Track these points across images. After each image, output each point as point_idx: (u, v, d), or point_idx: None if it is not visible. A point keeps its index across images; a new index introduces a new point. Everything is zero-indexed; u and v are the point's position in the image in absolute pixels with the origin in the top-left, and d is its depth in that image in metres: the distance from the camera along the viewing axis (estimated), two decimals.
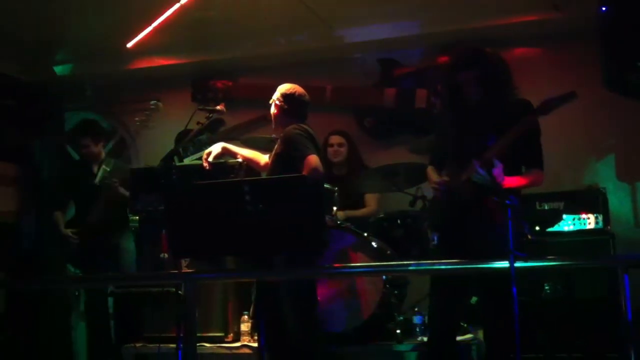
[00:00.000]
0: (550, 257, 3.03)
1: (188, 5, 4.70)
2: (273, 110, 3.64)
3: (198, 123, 3.79)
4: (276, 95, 3.63)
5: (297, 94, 3.61)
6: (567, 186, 4.31)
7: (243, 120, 5.60)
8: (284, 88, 3.63)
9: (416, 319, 4.09)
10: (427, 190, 3.69)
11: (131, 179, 4.40)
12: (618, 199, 4.62)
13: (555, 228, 3.99)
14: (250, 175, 3.90)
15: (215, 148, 3.73)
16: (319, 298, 3.67)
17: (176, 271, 3.48)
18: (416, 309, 4.18)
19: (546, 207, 4.03)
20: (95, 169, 4.87)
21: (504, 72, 3.05)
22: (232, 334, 4.30)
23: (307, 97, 3.65)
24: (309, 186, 2.70)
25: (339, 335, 3.88)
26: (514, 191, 2.94)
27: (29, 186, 5.52)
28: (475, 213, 2.93)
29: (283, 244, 2.66)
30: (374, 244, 4.07)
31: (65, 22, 5.12)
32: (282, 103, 3.59)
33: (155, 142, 5.70)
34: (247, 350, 4.13)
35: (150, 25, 5.07)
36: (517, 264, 2.47)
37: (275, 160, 3.55)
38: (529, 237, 2.93)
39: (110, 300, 4.76)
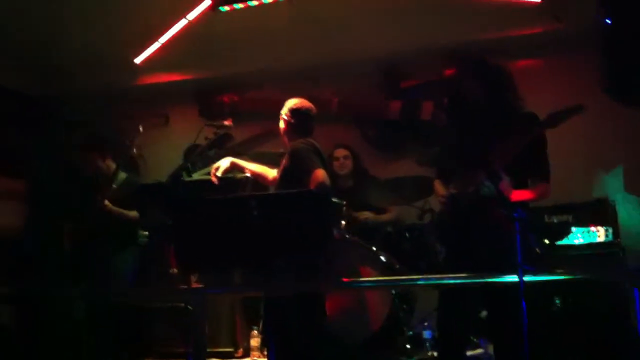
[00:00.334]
0: (559, 270, 3.02)
1: (195, 21, 4.75)
2: (281, 125, 3.67)
3: (206, 138, 3.81)
4: (284, 110, 3.65)
5: (303, 108, 3.63)
6: (575, 198, 4.29)
7: (250, 135, 5.62)
8: (291, 103, 3.66)
9: (426, 334, 4.08)
10: (435, 203, 3.69)
11: (140, 194, 4.42)
12: (627, 211, 4.59)
13: (565, 241, 3.97)
14: (259, 190, 3.91)
15: (224, 163, 3.74)
16: (327, 312, 3.66)
17: (185, 286, 3.49)
18: (426, 324, 4.17)
19: (555, 220, 4.01)
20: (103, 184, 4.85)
21: (509, 83, 3.05)
22: (241, 349, 4.30)
23: (313, 111, 3.67)
24: (316, 201, 2.71)
25: (347, 349, 3.87)
26: (522, 204, 2.93)
27: (33, 201, 5.53)
28: (483, 226, 2.92)
29: (291, 257, 2.66)
30: (382, 257, 4.07)
31: (73, 37, 5.17)
32: (289, 118, 3.62)
33: (163, 157, 5.72)
34: None
35: (157, 40, 5.13)
36: (526, 278, 2.46)
37: (282, 175, 3.56)
38: (537, 250, 2.92)
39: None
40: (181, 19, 4.84)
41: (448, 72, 5.22)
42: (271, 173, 3.80)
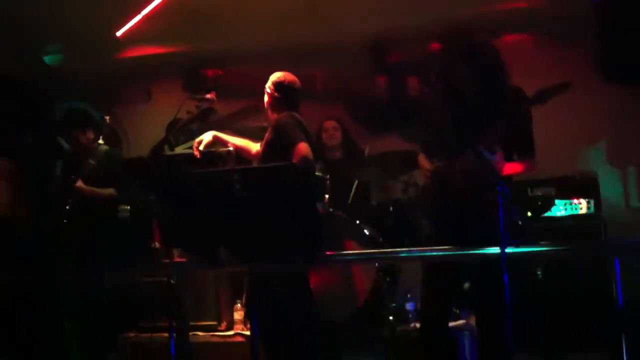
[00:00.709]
0: (541, 242, 3.04)
1: None
2: (265, 99, 3.64)
3: (188, 112, 3.77)
4: (268, 84, 3.62)
5: (287, 81, 3.60)
6: (558, 172, 4.32)
7: (234, 109, 5.58)
8: (275, 76, 3.63)
9: (409, 306, 4.10)
10: (419, 177, 3.69)
11: (121, 168, 4.37)
12: (609, 184, 4.64)
13: (548, 214, 4.00)
14: (241, 163, 3.88)
15: (206, 136, 3.71)
16: (313, 286, 3.66)
17: (168, 261, 3.47)
18: (409, 296, 4.19)
19: (538, 193, 4.04)
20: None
21: (497, 60, 3.04)
22: (225, 323, 4.30)
23: (298, 84, 3.64)
24: (299, 174, 2.69)
25: (332, 322, 3.89)
26: (506, 177, 2.94)
27: (22, 181, 5.45)
28: (468, 200, 2.93)
29: (274, 232, 2.64)
30: (366, 231, 4.07)
31: (54, 10, 5.07)
32: (273, 91, 3.59)
33: (145, 131, 5.67)
34: (240, 339, 4.14)
35: (140, 13, 5.04)
36: (508, 250, 2.47)
37: (265, 149, 3.53)
38: (519, 222, 2.95)
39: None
40: None
41: (434, 46, 5.19)
42: (254, 147, 3.78)
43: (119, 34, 5.32)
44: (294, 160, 3.26)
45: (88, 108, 5.50)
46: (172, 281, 3.27)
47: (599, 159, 4.82)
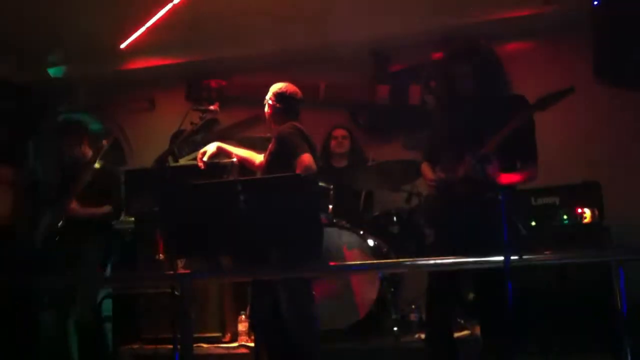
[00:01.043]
0: (545, 252, 3.03)
1: (181, 5, 4.69)
2: (266, 109, 3.65)
3: (192, 123, 3.78)
4: (268, 95, 3.64)
5: (288, 92, 3.61)
6: (562, 181, 4.31)
7: (237, 120, 5.60)
8: (275, 87, 3.64)
9: (413, 316, 4.09)
10: (422, 186, 3.69)
11: (125, 180, 4.37)
12: (613, 193, 4.62)
13: (551, 223, 3.99)
14: (245, 174, 3.89)
15: (210, 148, 3.72)
16: (315, 296, 3.66)
17: (172, 272, 3.47)
18: (413, 306, 4.18)
19: (542, 202, 4.03)
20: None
21: (498, 66, 3.04)
22: (229, 334, 4.30)
23: (299, 95, 3.65)
24: (303, 185, 2.69)
25: (336, 332, 3.88)
26: (510, 186, 2.94)
27: (24, 189, 5.47)
28: (470, 209, 2.92)
29: (278, 242, 2.65)
30: (370, 242, 4.07)
31: (58, 22, 5.10)
32: (275, 102, 3.60)
33: (149, 142, 5.69)
34: (244, 350, 4.13)
35: (143, 25, 5.07)
36: (512, 259, 2.47)
37: (269, 160, 3.54)
38: (523, 231, 2.94)
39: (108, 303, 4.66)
40: (168, 3, 4.78)
41: (436, 55, 5.21)
42: (258, 158, 3.79)
43: (123, 46, 5.35)
44: (298, 171, 3.27)
45: (85, 121, 5.43)
46: (176, 292, 3.26)
47: (603, 166, 4.80)
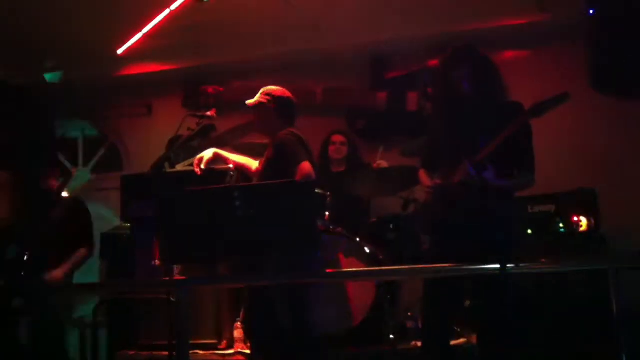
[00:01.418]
0: (542, 260, 3.03)
1: (178, 11, 4.71)
2: (259, 112, 3.58)
3: (189, 129, 3.77)
4: (263, 97, 3.56)
5: (285, 95, 3.58)
6: (558, 188, 4.32)
7: (234, 125, 5.60)
8: (268, 88, 3.58)
9: (410, 323, 4.08)
10: (420, 193, 3.69)
11: (122, 186, 4.36)
12: (609, 201, 4.64)
13: (548, 231, 4.00)
14: (242, 181, 3.88)
15: (207, 154, 3.70)
16: (311, 302, 3.65)
17: (168, 278, 3.46)
18: (409, 313, 4.17)
19: (538, 210, 4.04)
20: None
21: (494, 72, 3.05)
22: (225, 341, 4.28)
23: (293, 99, 3.62)
24: (300, 191, 2.69)
25: (332, 339, 3.87)
26: (507, 194, 2.94)
27: (20, 193, 5.44)
28: (468, 216, 2.92)
29: (274, 248, 2.64)
30: (366, 249, 4.07)
31: (56, 28, 5.10)
32: (268, 102, 3.55)
33: (146, 147, 5.68)
34: (240, 357, 4.12)
35: (140, 31, 5.07)
36: (509, 267, 2.47)
37: (266, 166, 3.52)
38: (521, 240, 2.95)
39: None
40: (164, 9, 4.79)
41: (432, 62, 5.22)
42: (254, 164, 3.78)
43: (120, 51, 5.35)
44: (297, 179, 3.26)
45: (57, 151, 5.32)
46: (172, 299, 3.25)
47: (599, 174, 4.82)
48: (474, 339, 3.56)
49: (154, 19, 4.89)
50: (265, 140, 3.83)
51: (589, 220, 3.96)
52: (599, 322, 3.47)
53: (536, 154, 3.00)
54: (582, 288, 3.69)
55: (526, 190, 3.10)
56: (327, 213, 4.11)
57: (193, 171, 3.69)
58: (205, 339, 4.23)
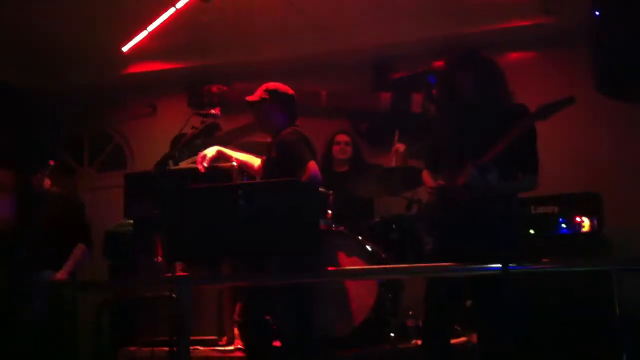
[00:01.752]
0: (544, 260, 3.03)
1: (183, 10, 4.72)
2: (260, 108, 3.57)
3: (193, 127, 3.78)
4: (264, 93, 3.55)
5: (283, 90, 3.56)
6: (562, 190, 4.32)
7: (238, 125, 5.61)
8: (272, 85, 3.57)
9: (411, 322, 4.08)
10: (423, 194, 3.69)
11: (126, 183, 4.37)
12: (613, 202, 4.63)
13: (551, 232, 3.99)
14: (245, 179, 3.89)
15: (210, 151, 3.71)
16: (313, 301, 3.65)
17: (170, 275, 3.47)
18: (411, 313, 4.17)
19: (541, 211, 4.03)
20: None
21: (499, 75, 3.05)
22: (225, 337, 4.29)
23: (294, 94, 3.59)
24: (303, 190, 2.70)
25: (333, 339, 3.87)
26: (510, 195, 2.94)
27: (25, 194, 5.45)
28: (470, 217, 2.92)
29: (277, 247, 2.65)
30: (368, 247, 4.07)
31: (61, 27, 5.12)
32: (275, 101, 3.53)
33: (150, 146, 5.70)
34: (240, 354, 4.12)
35: (145, 29, 5.09)
36: (511, 267, 2.47)
37: (270, 165, 3.52)
38: (522, 241, 2.95)
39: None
40: (170, 7, 4.81)
41: (437, 64, 5.22)
42: (257, 162, 3.78)
43: (125, 49, 5.37)
44: (304, 179, 3.25)
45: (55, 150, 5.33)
46: (173, 295, 3.26)
47: (603, 176, 4.82)
48: (474, 338, 3.56)
49: (159, 17, 4.90)
50: (269, 139, 3.83)
51: (591, 221, 3.95)
52: (600, 323, 3.47)
53: (540, 157, 3.00)
54: (582, 288, 3.68)
55: (530, 191, 3.11)
56: (329, 211, 4.12)
57: (196, 169, 3.69)
58: (205, 335, 4.25)
